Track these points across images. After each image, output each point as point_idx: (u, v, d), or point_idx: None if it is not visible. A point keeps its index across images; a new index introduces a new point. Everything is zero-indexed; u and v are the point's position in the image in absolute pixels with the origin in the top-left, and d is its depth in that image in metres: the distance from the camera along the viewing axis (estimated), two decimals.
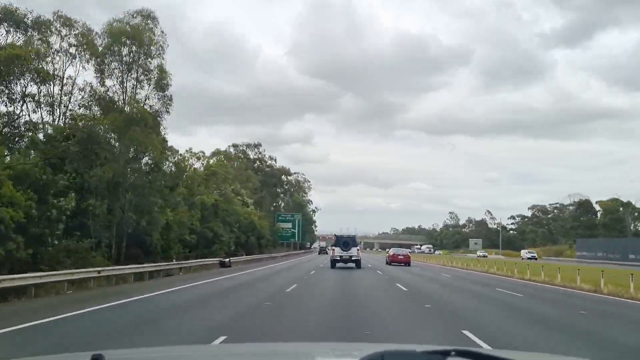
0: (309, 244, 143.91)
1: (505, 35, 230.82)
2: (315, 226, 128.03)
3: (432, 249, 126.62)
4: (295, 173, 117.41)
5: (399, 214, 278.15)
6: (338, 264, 37.95)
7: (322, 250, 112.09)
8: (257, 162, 69.90)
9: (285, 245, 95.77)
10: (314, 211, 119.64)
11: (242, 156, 67.57)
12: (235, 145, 69.43)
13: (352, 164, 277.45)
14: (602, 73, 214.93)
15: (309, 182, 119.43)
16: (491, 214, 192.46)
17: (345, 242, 38.29)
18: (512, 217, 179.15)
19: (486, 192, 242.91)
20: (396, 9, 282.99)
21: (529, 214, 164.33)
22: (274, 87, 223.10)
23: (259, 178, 70.57)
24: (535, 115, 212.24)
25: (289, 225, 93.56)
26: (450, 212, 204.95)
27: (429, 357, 1.84)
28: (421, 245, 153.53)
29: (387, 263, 49.06)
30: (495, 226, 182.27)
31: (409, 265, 46.65)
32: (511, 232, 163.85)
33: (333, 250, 39.76)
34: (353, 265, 37.66)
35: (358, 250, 39.18)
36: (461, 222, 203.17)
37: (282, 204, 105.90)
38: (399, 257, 48.18)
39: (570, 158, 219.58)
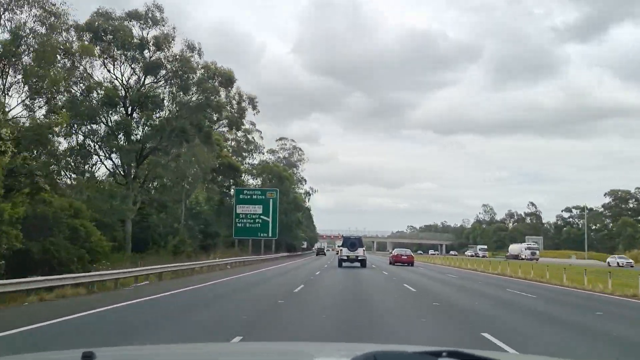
0: (305, 243, 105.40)
1: (516, 30, 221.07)
2: (309, 210, 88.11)
3: (536, 251, 78.54)
4: (283, 139, 78.97)
5: (405, 213, 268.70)
6: (345, 263, 39.54)
7: (320, 252, 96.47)
8: (154, 48, 29.94)
9: (253, 246, 56.11)
10: (308, 193, 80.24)
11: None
12: (105, 15, 29.58)
13: (359, 164, 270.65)
14: (615, 69, 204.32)
15: (301, 151, 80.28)
16: (535, 206, 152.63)
17: (352, 243, 40.38)
18: (568, 210, 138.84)
19: (495, 191, 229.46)
20: (403, 4, 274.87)
21: (599, 204, 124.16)
22: (280, 85, 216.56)
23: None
24: (545, 113, 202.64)
25: (257, 209, 53.74)
26: (484, 205, 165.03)
27: (420, 357, 1.84)
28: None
29: (390, 263, 48.39)
30: (550, 221, 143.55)
31: (412, 265, 46.36)
32: (571, 227, 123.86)
33: (340, 250, 41.90)
34: (358, 264, 39.31)
35: (364, 250, 41.08)
36: (498, 217, 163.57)
37: (254, 181, 66.25)
38: (403, 257, 47.88)
39: (581, 157, 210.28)
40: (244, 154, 66.79)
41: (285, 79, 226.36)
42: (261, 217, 53.59)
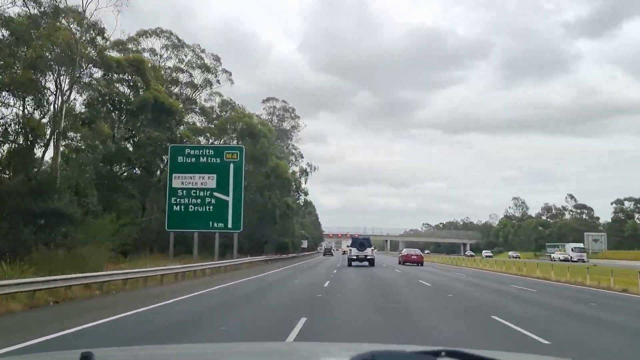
0: (305, 242, 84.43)
1: (525, 26, 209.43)
2: (305, 196, 65.68)
3: None
4: (272, 99, 57.36)
5: (415, 212, 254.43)
6: (354, 262, 40.00)
7: (328, 252, 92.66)
8: None
9: (200, 248, 33.61)
10: (305, 172, 57.91)
11: None
12: None
13: (367, 163, 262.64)
14: (628, 65, 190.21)
15: (295, 114, 58.28)
16: (574, 199, 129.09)
17: (361, 243, 40.95)
18: (619, 202, 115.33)
19: (505, 191, 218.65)
20: (410, 0, 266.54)
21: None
22: (286, 84, 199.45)
23: None
24: (556, 111, 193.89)
25: (208, 180, 31.46)
26: (515, 198, 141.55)
27: (419, 357, 1.85)
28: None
29: (399, 263, 47.86)
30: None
31: (422, 264, 45.89)
32: (635, 222, 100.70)
33: (350, 250, 42.43)
34: (367, 263, 39.73)
35: (372, 250, 41.79)
36: (532, 212, 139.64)
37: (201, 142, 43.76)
38: (412, 257, 47.97)
39: (593, 156, 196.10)
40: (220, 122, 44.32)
41: (291, 78, 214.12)
42: (215, 194, 31.13)
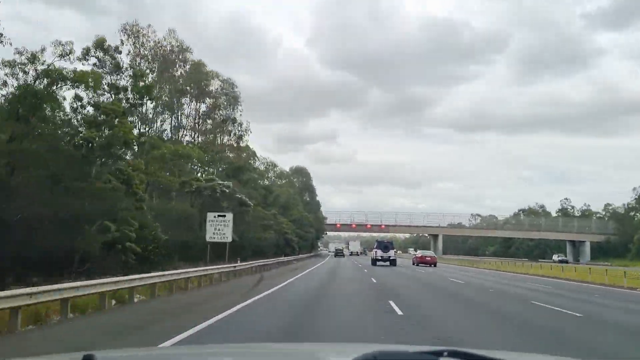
0: (226, 232, 37.63)
1: (544, 18, 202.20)
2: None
3: None
4: None
5: (426, 213, 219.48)
6: (378, 263, 46.70)
7: (339, 253, 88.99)
8: None
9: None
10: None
11: None
12: None
13: (378, 163, 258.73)
14: None
15: None
16: None
17: (385, 246, 47.64)
18: None
19: (521, 192, 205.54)
20: None
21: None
22: (296, 81, 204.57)
23: None
24: (575, 108, 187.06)
25: None
26: None
27: (421, 357, 1.85)
28: None
29: (413, 264, 52.18)
30: None
31: (435, 265, 49.36)
32: None
33: (375, 252, 48.54)
34: (388, 263, 46.43)
35: (395, 252, 50.03)
36: None
37: None
38: (426, 258, 51.50)
39: (612, 155, 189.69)
40: None
41: (301, 74, 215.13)
42: None
